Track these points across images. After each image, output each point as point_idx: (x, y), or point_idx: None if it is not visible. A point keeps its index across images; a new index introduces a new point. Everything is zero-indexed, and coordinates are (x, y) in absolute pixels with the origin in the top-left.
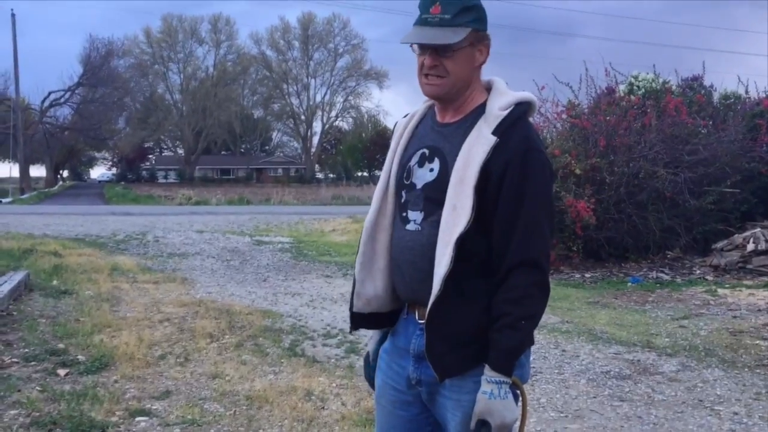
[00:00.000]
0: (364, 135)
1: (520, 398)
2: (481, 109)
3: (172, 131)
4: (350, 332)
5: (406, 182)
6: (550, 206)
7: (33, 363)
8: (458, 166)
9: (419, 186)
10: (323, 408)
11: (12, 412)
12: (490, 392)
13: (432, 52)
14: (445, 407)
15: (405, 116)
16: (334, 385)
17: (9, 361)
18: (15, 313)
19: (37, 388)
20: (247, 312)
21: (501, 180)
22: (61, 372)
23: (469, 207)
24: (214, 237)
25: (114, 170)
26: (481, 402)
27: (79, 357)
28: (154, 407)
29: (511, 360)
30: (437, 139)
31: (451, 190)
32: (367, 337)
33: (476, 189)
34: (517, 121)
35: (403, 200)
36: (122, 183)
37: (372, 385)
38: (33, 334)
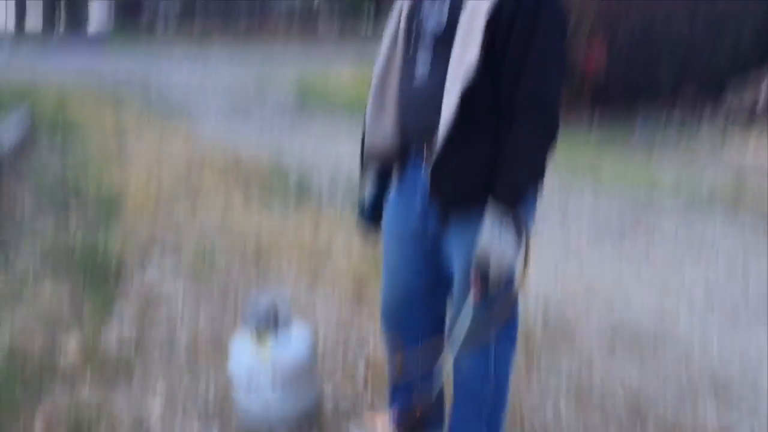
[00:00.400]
0: None
1: (525, 242)
2: None
3: None
4: (361, 172)
5: (415, 25)
6: (562, 49)
7: (45, 199)
8: (467, 9)
9: (428, 31)
10: (330, 248)
11: (28, 245)
12: (491, 223)
13: None
14: (451, 245)
15: None
16: (340, 228)
17: (21, 198)
18: (23, 154)
19: (50, 223)
20: (253, 158)
21: (511, 24)
22: (73, 209)
23: (476, 56)
24: (220, 82)
25: (113, 12)
26: (482, 241)
27: (90, 194)
28: (165, 248)
29: (515, 193)
30: None
31: (459, 32)
32: (365, 182)
33: (485, 32)
34: None
35: (412, 46)
36: (120, 28)
37: (363, 228)
38: (43, 173)
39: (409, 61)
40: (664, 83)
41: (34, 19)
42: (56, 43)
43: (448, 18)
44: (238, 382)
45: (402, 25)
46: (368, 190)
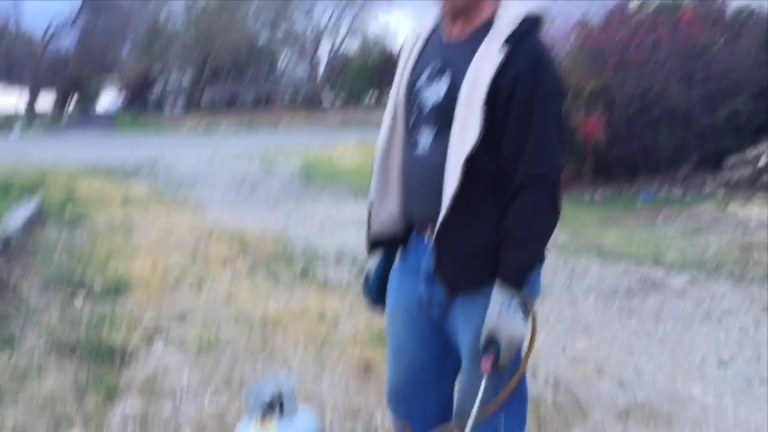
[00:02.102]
0: (370, 60)
1: (530, 318)
2: (489, 23)
3: (177, 58)
4: (368, 254)
5: (415, 101)
6: (560, 122)
7: (50, 290)
8: (467, 82)
9: (429, 104)
10: (336, 329)
11: (32, 337)
12: (499, 308)
13: None
14: (457, 325)
15: (413, 35)
16: (346, 306)
17: (26, 289)
18: (30, 242)
19: (56, 314)
20: (259, 237)
21: (510, 95)
22: (78, 298)
23: (478, 124)
24: (224, 163)
25: (121, 99)
26: (491, 318)
27: (95, 284)
28: (170, 331)
29: (520, 276)
30: (446, 56)
31: (460, 107)
32: (371, 258)
33: (485, 105)
34: (527, 35)
35: (413, 120)
36: (130, 112)
37: (370, 302)
38: (49, 263)
39: (411, 136)
40: (664, 154)
41: (46, 101)
42: (67, 125)
43: (447, 91)
44: None
45: (402, 100)
46: (374, 266)
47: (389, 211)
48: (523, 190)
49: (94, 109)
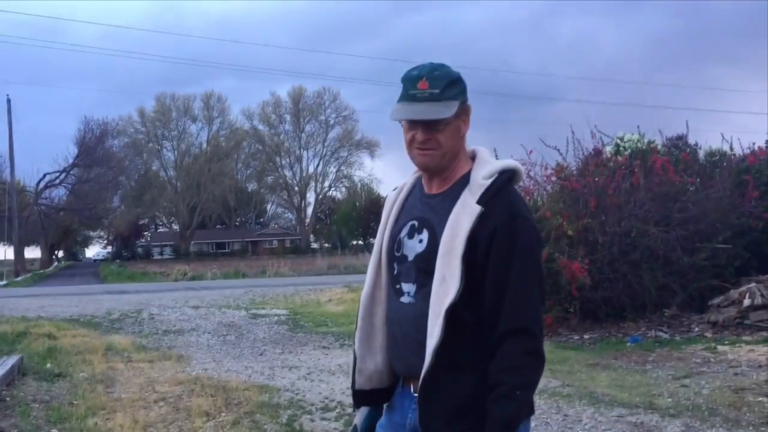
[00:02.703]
0: (357, 204)
1: None
2: (466, 179)
3: (167, 207)
4: (354, 410)
5: (397, 254)
6: (539, 272)
7: None
8: (446, 236)
9: (410, 258)
10: None
11: None
12: None
13: (424, 126)
14: None
15: (395, 189)
16: None
17: None
18: (8, 398)
19: None
20: (243, 387)
21: (488, 249)
22: None
23: (458, 277)
24: (209, 312)
25: (109, 248)
26: None
27: None
28: None
29: (507, 429)
30: (425, 210)
31: (439, 260)
32: (357, 412)
33: (464, 259)
34: (502, 189)
35: (395, 272)
36: (117, 261)
37: None
38: (26, 420)
39: (394, 287)
40: (648, 296)
41: (35, 251)
42: (54, 274)
43: (428, 244)
44: None
45: (385, 251)
46: (359, 422)
47: (374, 366)
48: (505, 342)
49: (82, 259)
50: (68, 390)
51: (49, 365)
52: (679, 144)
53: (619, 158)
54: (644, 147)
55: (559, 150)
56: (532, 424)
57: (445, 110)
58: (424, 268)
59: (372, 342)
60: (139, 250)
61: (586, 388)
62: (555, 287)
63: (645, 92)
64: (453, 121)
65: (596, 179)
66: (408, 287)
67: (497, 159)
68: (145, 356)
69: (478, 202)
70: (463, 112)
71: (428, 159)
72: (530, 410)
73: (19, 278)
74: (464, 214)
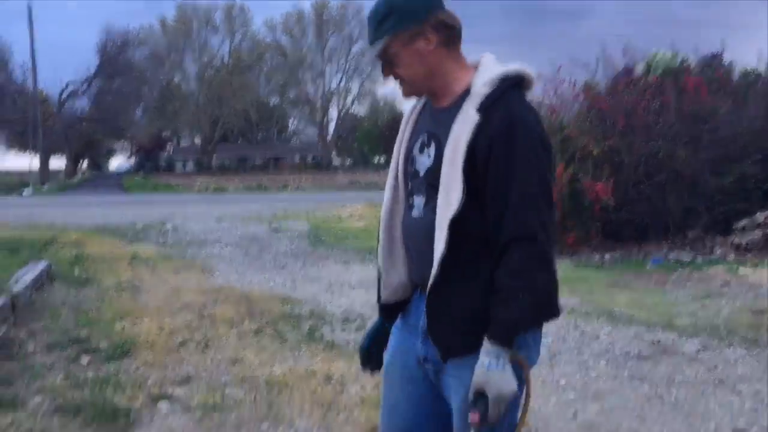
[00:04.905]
0: (380, 122)
1: (525, 380)
2: (469, 89)
3: (189, 120)
4: (386, 324)
5: (410, 170)
6: (543, 178)
7: (56, 351)
8: (448, 149)
9: (421, 173)
10: (343, 392)
11: (36, 399)
12: (488, 363)
13: (382, 69)
14: (449, 386)
15: (413, 105)
16: (353, 369)
17: (33, 349)
18: (37, 302)
19: (61, 375)
20: (266, 298)
21: (487, 158)
22: (84, 359)
23: (459, 189)
24: (232, 225)
25: (132, 160)
26: (479, 373)
27: (101, 345)
28: (175, 393)
29: (510, 332)
30: (433, 124)
31: (443, 173)
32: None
33: (464, 170)
34: (502, 96)
35: (409, 187)
36: (140, 173)
37: (362, 360)
38: (55, 323)
39: (408, 202)
40: (673, 217)
41: (59, 162)
42: (78, 185)
43: (435, 157)
44: None
45: (401, 167)
46: (373, 323)
47: (398, 279)
48: (509, 248)
49: (106, 170)
50: (96, 296)
51: (76, 272)
52: (713, 63)
53: (650, 77)
54: (677, 66)
55: (588, 67)
56: (549, 339)
57: (374, 51)
58: (431, 182)
59: (394, 256)
60: (162, 162)
61: (605, 307)
62: (577, 208)
63: (680, 8)
64: (401, 51)
65: (625, 98)
66: (418, 201)
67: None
68: (170, 265)
69: (477, 110)
70: (414, 34)
71: (405, 91)
72: (537, 318)
73: (45, 187)
74: (464, 124)
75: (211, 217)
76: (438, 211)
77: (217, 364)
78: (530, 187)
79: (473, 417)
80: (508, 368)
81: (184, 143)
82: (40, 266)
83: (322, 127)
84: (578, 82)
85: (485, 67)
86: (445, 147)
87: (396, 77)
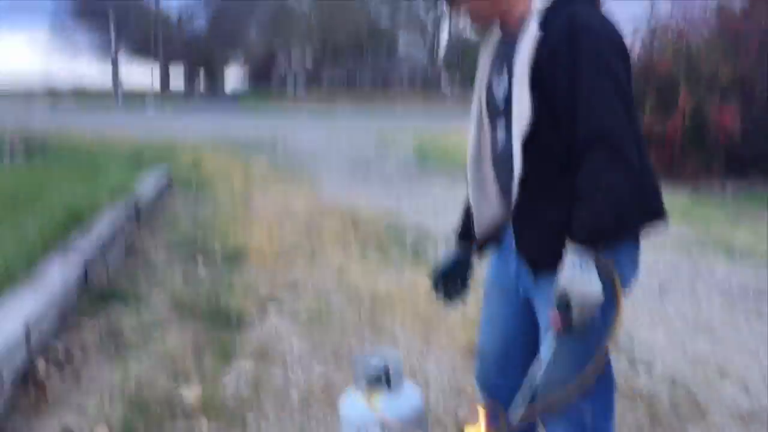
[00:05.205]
0: None
1: (615, 290)
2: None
3: (300, 40)
4: (466, 257)
5: (491, 99)
6: (615, 80)
7: (175, 252)
8: (516, 70)
9: (498, 99)
10: (444, 310)
11: (157, 295)
12: (571, 267)
13: (451, 9)
14: (540, 302)
15: (486, 39)
16: None
17: (154, 250)
18: (159, 207)
19: (179, 275)
20: (371, 214)
21: (553, 70)
22: (200, 261)
23: (528, 107)
24: (341, 140)
25: (246, 78)
26: (562, 276)
27: (216, 249)
28: (283, 298)
29: (591, 234)
30: (505, 51)
31: (513, 96)
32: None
33: (532, 86)
34: (564, 8)
35: (491, 116)
36: (254, 90)
37: (433, 282)
38: (174, 228)
39: (492, 130)
40: None
41: (177, 78)
42: (195, 101)
43: (507, 85)
44: None
45: (483, 100)
46: (448, 255)
47: (491, 212)
48: (586, 153)
49: (221, 87)
50: (211, 204)
51: (193, 181)
52: None
53: None
54: None
55: None
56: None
57: None
58: (507, 107)
59: (486, 191)
60: (274, 80)
61: (723, 240)
62: (700, 136)
63: None
64: None
65: (763, 20)
66: (501, 128)
67: None
68: (280, 179)
69: (539, 26)
70: None
71: (479, 25)
72: (619, 221)
73: (165, 103)
74: (526, 41)
75: (320, 134)
76: (513, 132)
77: (323, 274)
78: (601, 90)
79: (555, 322)
80: (594, 273)
81: (295, 62)
82: (162, 174)
83: (433, 51)
84: (709, 4)
85: None
86: (514, 71)
87: (467, 16)
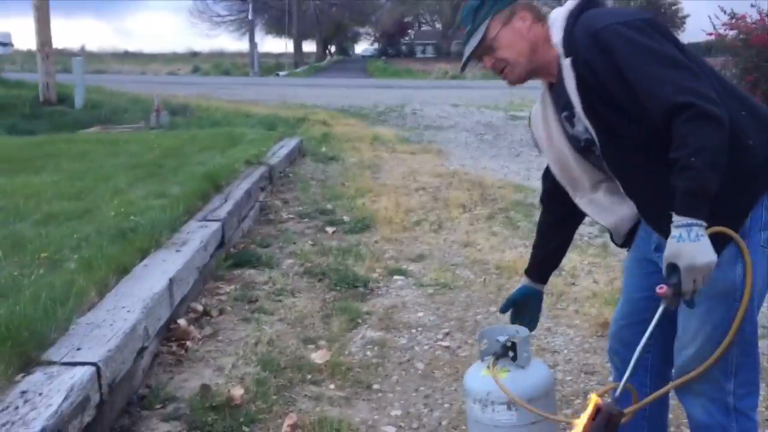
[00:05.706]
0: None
1: (743, 260)
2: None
3: (430, 5)
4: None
5: (573, 142)
6: (652, 51)
7: (305, 220)
8: (574, 101)
9: (579, 136)
10: (574, 284)
11: (289, 260)
12: (678, 235)
13: (483, 58)
14: None
15: (534, 108)
16: (586, 262)
17: (286, 216)
18: (291, 174)
19: (309, 242)
20: (499, 185)
21: (596, 80)
22: (329, 230)
23: (592, 129)
24: (468, 111)
25: (376, 45)
26: (668, 245)
27: (344, 218)
28: (409, 268)
29: (696, 200)
30: (556, 96)
31: (588, 127)
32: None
33: (586, 111)
34: (573, 25)
35: (581, 153)
36: (383, 57)
37: (502, 310)
38: (305, 195)
39: (585, 161)
40: None
41: (310, 46)
42: (326, 68)
43: (576, 118)
44: (472, 406)
45: (563, 144)
46: (523, 284)
47: (616, 219)
48: (670, 126)
49: (352, 55)
50: (340, 172)
51: (323, 149)
52: None
53: None
54: None
55: None
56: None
57: (477, 35)
58: (590, 139)
59: (601, 205)
60: (403, 47)
61: None
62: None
63: None
64: (499, 33)
65: None
66: (594, 158)
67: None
68: (408, 148)
69: (567, 56)
70: (509, 15)
71: (512, 78)
72: (718, 174)
73: (298, 69)
74: (567, 76)
75: (448, 102)
76: (604, 154)
77: (449, 245)
78: (643, 70)
79: (662, 290)
80: (704, 240)
81: (424, 29)
82: (293, 142)
83: None
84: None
85: (554, 22)
86: (574, 105)
87: (498, 65)
